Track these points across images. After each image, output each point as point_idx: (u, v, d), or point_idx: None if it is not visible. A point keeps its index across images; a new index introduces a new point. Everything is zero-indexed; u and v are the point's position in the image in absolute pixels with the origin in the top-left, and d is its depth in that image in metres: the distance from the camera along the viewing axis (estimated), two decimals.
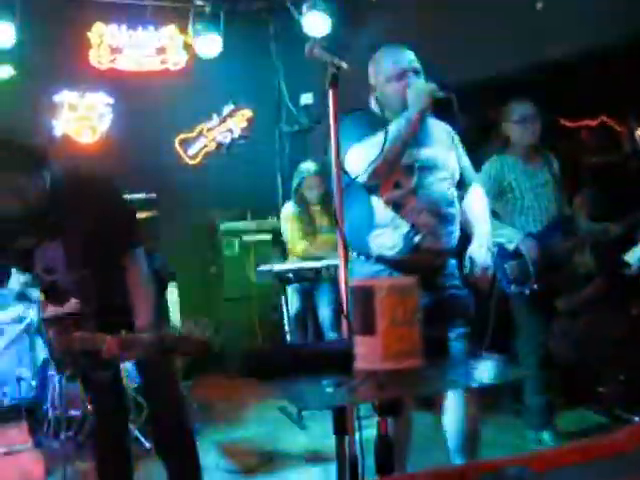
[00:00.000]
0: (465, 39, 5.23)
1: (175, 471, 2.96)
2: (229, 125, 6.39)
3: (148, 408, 3.06)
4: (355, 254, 2.78)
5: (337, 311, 5.20)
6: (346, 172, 2.59)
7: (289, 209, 5.39)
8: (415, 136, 2.73)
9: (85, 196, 2.68)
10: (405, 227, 2.73)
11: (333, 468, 3.63)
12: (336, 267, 4.77)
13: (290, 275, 4.92)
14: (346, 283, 2.02)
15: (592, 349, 4.64)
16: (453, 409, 2.89)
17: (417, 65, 2.85)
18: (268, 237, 5.80)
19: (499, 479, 1.48)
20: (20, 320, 4.61)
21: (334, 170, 2.07)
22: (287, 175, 5.66)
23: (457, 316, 2.82)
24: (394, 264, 2.75)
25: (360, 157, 2.60)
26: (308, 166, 5.41)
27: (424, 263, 2.74)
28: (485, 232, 2.98)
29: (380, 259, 2.77)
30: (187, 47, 6.65)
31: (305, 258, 5.17)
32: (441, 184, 2.83)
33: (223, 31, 6.43)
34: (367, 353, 1.62)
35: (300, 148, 6.49)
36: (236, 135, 6.32)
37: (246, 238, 6.30)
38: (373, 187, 2.73)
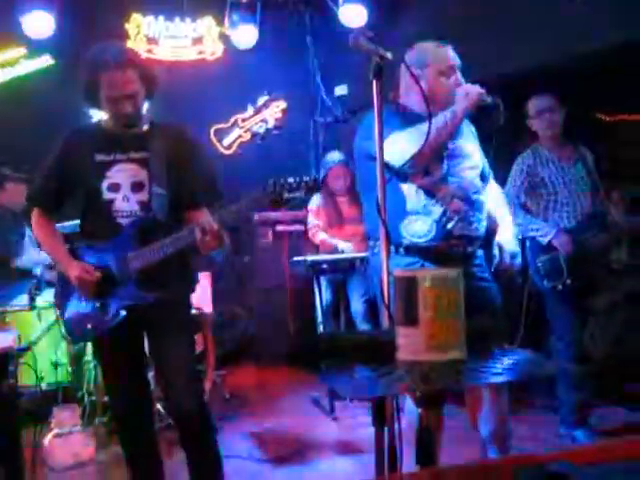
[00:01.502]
0: (500, 32, 5.18)
1: (193, 457, 2.92)
2: (264, 115, 6.40)
3: (163, 389, 2.97)
4: None
5: (369, 302, 5.22)
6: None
7: (315, 201, 5.41)
8: None
9: (183, 134, 3.00)
10: (437, 213, 2.76)
11: (365, 459, 3.69)
12: (368, 259, 4.86)
13: (324, 266, 4.93)
14: (387, 273, 2.01)
15: (628, 347, 4.58)
16: (484, 402, 2.88)
17: (459, 63, 2.90)
18: (301, 227, 5.81)
19: (541, 473, 1.46)
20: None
21: (378, 160, 2.05)
22: (321, 164, 5.67)
23: (486, 308, 2.83)
24: (426, 254, 2.76)
25: (401, 145, 2.61)
26: (333, 156, 5.44)
27: (456, 251, 2.79)
28: (510, 222, 3.08)
29: (411, 249, 2.77)
30: (223, 38, 6.68)
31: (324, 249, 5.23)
32: (469, 172, 2.89)
33: (259, 22, 6.44)
34: (410, 344, 1.61)
35: (334, 139, 6.49)
36: (270, 126, 6.32)
37: (280, 228, 6.33)
38: (405, 174, 2.74)
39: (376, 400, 1.75)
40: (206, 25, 6.69)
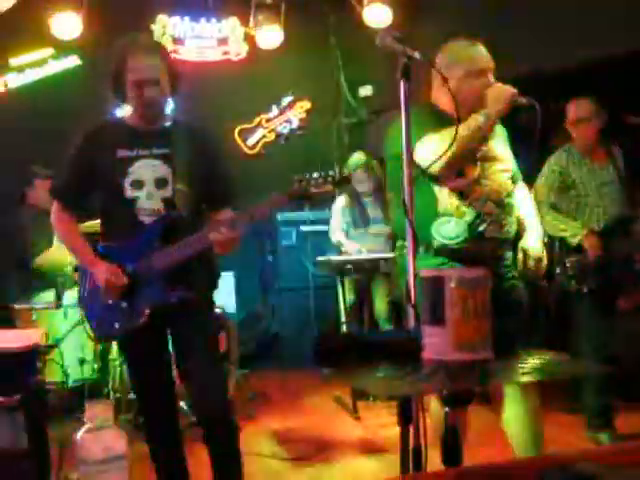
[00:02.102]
0: (529, 30, 5.15)
1: (216, 456, 2.90)
2: (288, 116, 6.41)
3: (188, 388, 2.96)
4: None
5: (393, 303, 5.23)
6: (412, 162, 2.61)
7: (339, 202, 5.44)
8: None
9: (205, 131, 3.01)
10: (470, 215, 2.74)
11: (388, 459, 3.70)
12: (394, 259, 4.87)
13: (348, 266, 4.93)
14: (414, 273, 2.01)
15: None
16: (514, 405, 2.85)
17: (492, 64, 2.82)
18: (325, 228, 5.82)
19: (568, 475, 1.46)
20: None
21: (405, 160, 2.05)
22: (345, 166, 5.68)
23: (513, 308, 2.82)
24: (456, 255, 2.74)
25: (433, 148, 2.58)
26: (357, 157, 5.44)
27: (487, 252, 2.76)
28: (536, 225, 3.04)
29: (441, 251, 2.76)
30: (248, 38, 6.71)
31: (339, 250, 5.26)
32: (502, 175, 2.87)
33: (284, 23, 6.46)
34: (436, 343, 1.61)
35: (358, 140, 6.49)
36: (294, 126, 6.33)
37: (303, 228, 6.35)
38: (438, 176, 2.72)
39: (402, 399, 1.75)
40: (231, 26, 6.73)
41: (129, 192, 2.80)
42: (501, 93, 2.67)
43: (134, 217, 2.80)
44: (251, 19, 6.59)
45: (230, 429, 2.92)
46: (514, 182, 2.99)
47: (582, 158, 4.04)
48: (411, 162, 2.08)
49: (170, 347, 3.02)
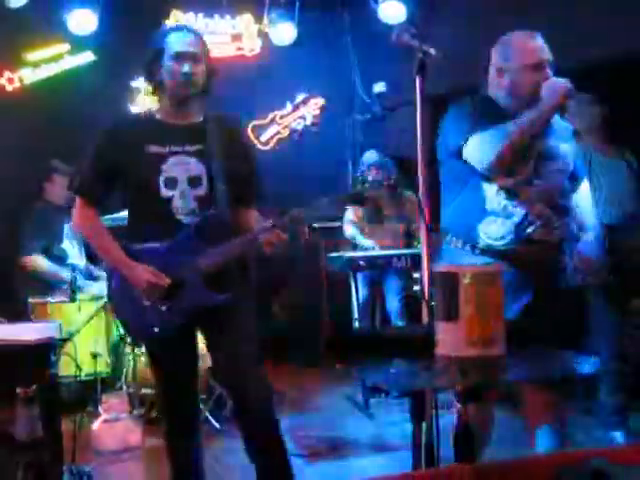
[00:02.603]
0: (549, 29, 5.12)
1: (265, 466, 2.81)
2: (302, 112, 6.40)
3: (235, 400, 2.88)
4: (460, 243, 2.70)
5: (405, 299, 5.23)
6: (461, 158, 2.60)
7: None
8: None
9: (238, 124, 3.02)
10: (518, 216, 2.65)
11: (399, 456, 3.70)
12: (407, 256, 4.89)
13: (361, 262, 4.94)
14: (428, 268, 2.00)
15: None
16: (544, 414, 2.81)
17: (550, 56, 2.71)
18: (338, 224, 5.83)
19: (583, 471, 1.46)
20: (97, 298, 4.74)
21: (419, 156, 2.05)
22: (359, 163, 5.69)
23: (556, 320, 2.68)
24: (502, 256, 2.61)
25: (483, 147, 2.53)
26: (371, 155, 5.46)
27: (534, 256, 2.66)
28: (594, 225, 2.94)
29: (487, 251, 2.67)
30: (262, 35, 6.71)
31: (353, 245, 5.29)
32: (557, 175, 2.75)
33: (298, 19, 6.47)
34: (450, 339, 1.61)
35: (373, 137, 6.48)
36: (308, 123, 6.32)
37: (316, 224, 6.35)
38: (487, 174, 2.64)
39: (415, 394, 1.75)
40: (245, 22, 6.73)
41: (163, 190, 2.69)
42: (556, 88, 2.58)
43: (171, 216, 2.70)
44: (265, 16, 6.60)
45: (276, 427, 2.84)
46: (574, 181, 2.89)
47: (594, 151, 4.01)
48: (425, 159, 2.07)
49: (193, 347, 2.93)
